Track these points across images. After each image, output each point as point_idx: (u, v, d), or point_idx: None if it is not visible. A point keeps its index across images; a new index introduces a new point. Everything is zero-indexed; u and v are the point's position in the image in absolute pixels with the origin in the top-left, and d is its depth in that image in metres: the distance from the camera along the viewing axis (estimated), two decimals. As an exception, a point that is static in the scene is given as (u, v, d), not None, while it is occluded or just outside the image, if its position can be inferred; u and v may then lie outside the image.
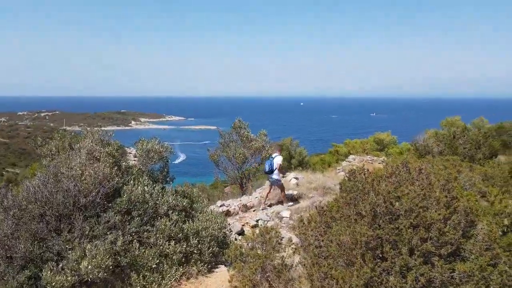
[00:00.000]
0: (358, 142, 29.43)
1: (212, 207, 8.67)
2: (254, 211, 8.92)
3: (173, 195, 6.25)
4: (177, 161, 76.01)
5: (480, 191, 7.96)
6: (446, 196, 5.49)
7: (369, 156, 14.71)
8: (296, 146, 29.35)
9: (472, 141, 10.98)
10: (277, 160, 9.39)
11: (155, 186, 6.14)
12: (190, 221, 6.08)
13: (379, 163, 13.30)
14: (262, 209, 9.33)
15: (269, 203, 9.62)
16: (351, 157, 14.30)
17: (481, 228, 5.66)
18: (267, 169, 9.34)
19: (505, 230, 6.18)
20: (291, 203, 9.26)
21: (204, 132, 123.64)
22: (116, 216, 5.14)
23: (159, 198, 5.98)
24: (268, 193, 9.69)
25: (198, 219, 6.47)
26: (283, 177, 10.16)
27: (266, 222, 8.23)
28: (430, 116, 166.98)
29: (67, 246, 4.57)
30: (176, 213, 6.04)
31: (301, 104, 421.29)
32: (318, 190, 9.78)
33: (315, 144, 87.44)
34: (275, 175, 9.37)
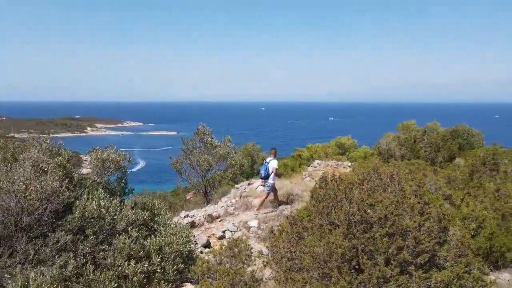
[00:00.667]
0: (320, 146, 29.69)
1: (175, 218, 8.15)
2: (220, 221, 8.49)
3: (132, 208, 5.72)
4: (135, 169, 73.56)
5: (444, 194, 8.06)
6: (419, 202, 5.39)
7: (333, 161, 14.74)
8: (258, 151, 29.35)
9: (432, 145, 11.27)
10: (273, 164, 9.16)
11: (112, 200, 5.58)
12: (152, 237, 5.58)
13: (343, 168, 13.35)
14: (262, 213, 9.03)
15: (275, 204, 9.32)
16: (316, 162, 14.26)
17: (453, 234, 5.61)
18: (263, 175, 9.07)
19: (473, 233, 6.22)
20: (264, 211, 9.05)
21: (164, 138, 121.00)
22: (67, 235, 4.56)
23: (117, 213, 5.44)
24: (265, 198, 9.41)
25: (161, 234, 5.98)
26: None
27: (233, 232, 7.84)
28: (385, 120, 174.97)
29: (6, 274, 3.94)
30: (136, 228, 5.51)
31: (262, 109, 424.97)
32: (285, 197, 9.53)
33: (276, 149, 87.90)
34: (271, 180, 9.15)
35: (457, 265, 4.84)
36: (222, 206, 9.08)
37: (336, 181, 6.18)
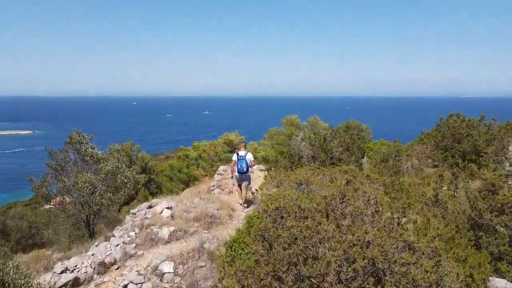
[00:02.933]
0: (208, 144, 28.11)
1: (47, 278, 5.43)
2: (117, 269, 6.02)
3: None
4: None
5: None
6: (428, 242, 4.19)
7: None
8: (137, 151, 26.95)
9: (343, 144, 10.76)
10: (249, 157, 9.19)
11: None
12: None
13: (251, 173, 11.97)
14: (244, 211, 8.83)
15: (246, 204, 9.12)
16: (221, 168, 12.52)
17: (449, 271, 4.56)
18: (244, 170, 9.01)
19: (443, 256, 5.38)
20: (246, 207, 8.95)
21: (15, 138, 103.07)
22: None
23: None
24: (241, 192, 9.27)
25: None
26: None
27: (140, 285, 5.58)
28: (267, 114, 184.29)
29: None
30: None
31: (134, 103, 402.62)
32: (200, 220, 7.58)
33: (153, 145, 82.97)
34: (249, 173, 9.25)
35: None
36: (117, 244, 6.57)
37: (296, 214, 4.62)
